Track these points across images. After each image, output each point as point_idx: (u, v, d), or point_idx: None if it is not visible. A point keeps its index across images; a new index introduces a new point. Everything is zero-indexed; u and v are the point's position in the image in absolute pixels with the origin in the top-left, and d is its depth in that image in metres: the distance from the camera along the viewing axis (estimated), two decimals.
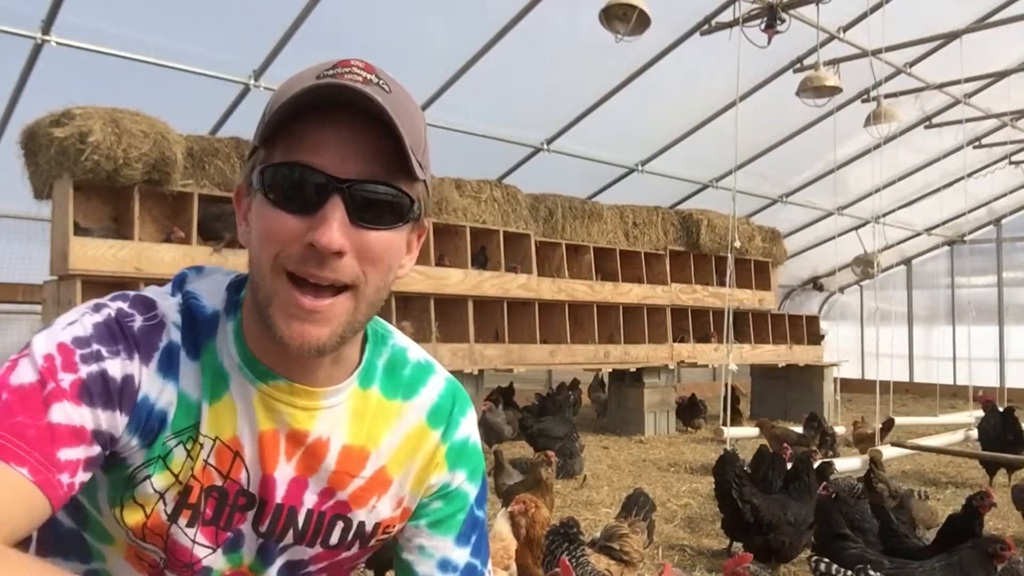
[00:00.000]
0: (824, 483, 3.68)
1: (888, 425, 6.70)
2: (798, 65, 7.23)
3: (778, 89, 7.31)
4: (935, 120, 8.86)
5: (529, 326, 7.27)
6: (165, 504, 0.96)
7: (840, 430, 6.98)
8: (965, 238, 11.37)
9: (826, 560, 2.68)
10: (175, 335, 0.96)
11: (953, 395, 10.27)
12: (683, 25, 6.57)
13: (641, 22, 5.04)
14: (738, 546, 3.80)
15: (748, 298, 9.32)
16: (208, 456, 0.97)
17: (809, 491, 3.62)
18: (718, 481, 3.87)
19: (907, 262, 13.32)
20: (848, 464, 5.53)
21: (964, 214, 10.03)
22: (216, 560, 1.01)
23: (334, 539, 1.06)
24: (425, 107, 6.47)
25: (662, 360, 8.18)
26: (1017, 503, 4.22)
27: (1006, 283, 12.46)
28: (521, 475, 4.28)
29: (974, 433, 6.49)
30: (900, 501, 3.84)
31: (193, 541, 0.99)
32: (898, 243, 12.29)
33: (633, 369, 7.86)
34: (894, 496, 4.02)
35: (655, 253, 8.62)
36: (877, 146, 7.18)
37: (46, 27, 5.00)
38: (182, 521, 0.97)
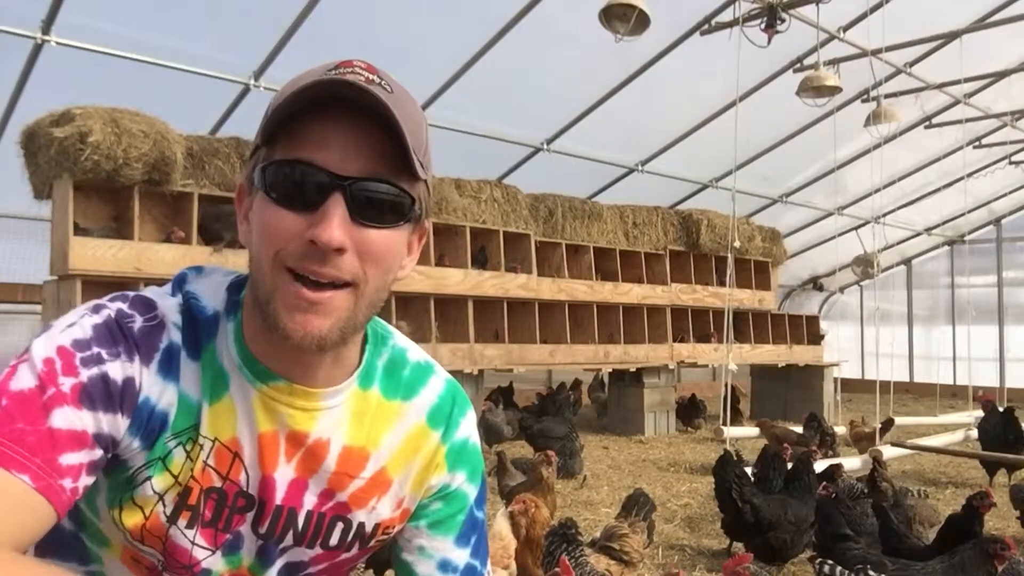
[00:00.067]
0: (824, 483, 3.68)
1: (887, 425, 6.70)
2: (798, 65, 7.24)
3: (778, 89, 7.32)
4: (935, 120, 8.86)
5: (529, 326, 7.27)
6: (164, 505, 0.96)
7: (840, 430, 6.98)
8: (965, 238, 11.36)
9: (830, 562, 2.67)
10: (175, 336, 0.96)
11: (953, 395, 10.27)
12: (683, 25, 6.57)
13: (641, 22, 5.04)
14: (738, 546, 3.80)
15: (748, 298, 9.32)
16: (207, 457, 0.97)
17: (810, 490, 3.62)
18: (718, 481, 3.87)
19: (907, 262, 13.33)
20: (848, 464, 5.53)
21: (964, 214, 10.03)
22: (215, 562, 1.01)
23: (334, 540, 1.05)
24: (425, 107, 6.47)
25: (662, 360, 8.18)
26: (1015, 503, 4.22)
27: (1006, 283, 12.46)
28: (524, 476, 4.27)
29: (974, 433, 6.49)
30: (896, 500, 3.83)
31: (192, 543, 0.98)
32: (898, 243, 12.28)
33: (633, 369, 7.86)
34: (896, 493, 4.02)
35: (655, 253, 8.62)
36: (877, 146, 7.18)
37: (46, 27, 5.00)
38: (181, 523, 0.97)
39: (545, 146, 7.78)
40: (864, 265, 10.47)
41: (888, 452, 5.80)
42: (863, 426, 6.73)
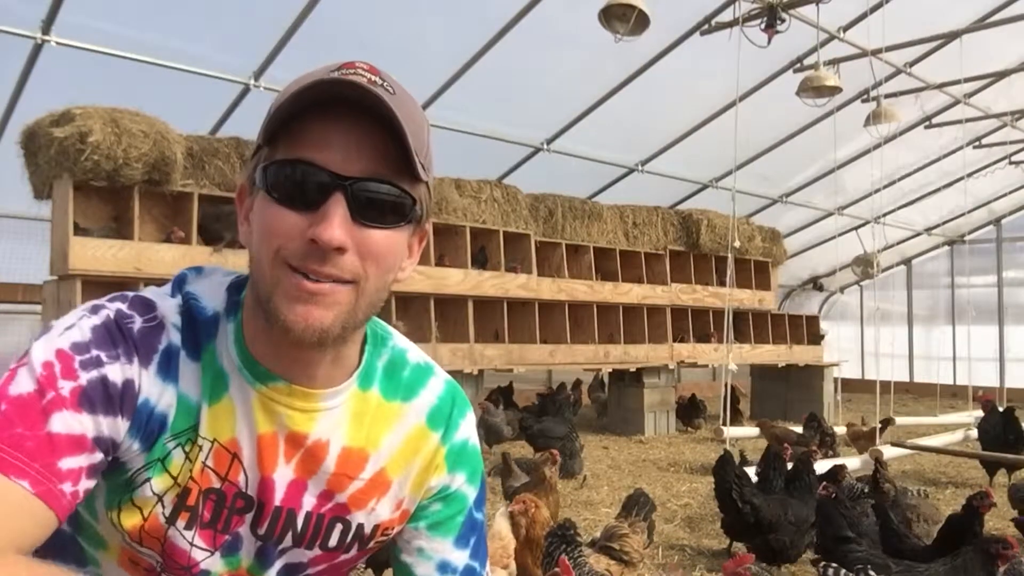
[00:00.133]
0: (824, 483, 3.68)
1: (885, 424, 6.70)
2: (798, 65, 7.23)
3: (778, 89, 7.31)
4: (935, 120, 8.86)
5: (529, 326, 7.27)
6: (163, 507, 0.96)
7: (840, 430, 6.98)
8: (965, 238, 11.36)
9: (834, 565, 2.66)
10: (174, 336, 0.95)
11: (953, 395, 10.27)
12: (683, 25, 6.57)
13: (640, 22, 5.04)
14: (738, 546, 3.81)
15: (748, 298, 9.32)
16: (206, 458, 0.96)
17: (810, 490, 3.62)
18: (718, 481, 3.87)
19: (907, 262, 13.33)
20: (848, 464, 5.52)
21: (964, 214, 10.02)
22: (214, 563, 1.01)
23: (333, 541, 1.05)
24: (425, 107, 6.47)
25: (662, 360, 8.18)
26: (1014, 502, 4.21)
27: (1006, 283, 12.46)
28: (528, 477, 4.28)
29: (973, 433, 6.48)
30: (895, 499, 3.83)
31: (191, 544, 0.98)
32: (898, 243, 12.28)
33: (633, 369, 7.86)
34: (904, 496, 4.02)
35: (655, 253, 8.62)
36: (877, 146, 7.17)
37: (46, 27, 5.00)
38: (180, 524, 0.97)
39: (545, 146, 7.78)
40: (864, 265, 10.47)
41: (888, 452, 5.79)
42: (861, 425, 6.74)
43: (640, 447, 7.16)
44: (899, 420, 7.57)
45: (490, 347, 6.77)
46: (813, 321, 10.48)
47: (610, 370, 7.86)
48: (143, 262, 4.93)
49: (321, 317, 0.89)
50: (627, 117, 7.58)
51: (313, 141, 0.88)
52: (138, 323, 0.94)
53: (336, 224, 0.86)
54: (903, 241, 12.35)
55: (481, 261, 6.91)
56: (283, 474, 0.99)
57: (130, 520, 0.96)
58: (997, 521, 4.23)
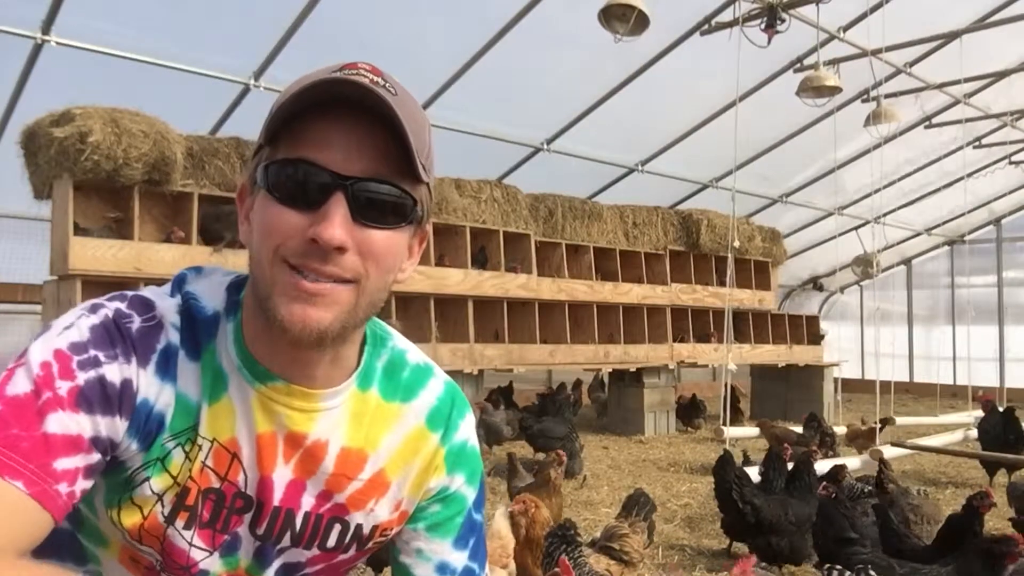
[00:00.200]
0: (824, 483, 3.68)
1: (884, 424, 6.69)
2: (798, 65, 7.23)
3: (778, 89, 7.31)
4: (935, 120, 8.86)
5: (529, 326, 7.27)
6: (163, 506, 0.96)
7: (840, 430, 6.98)
8: (965, 238, 11.36)
9: (839, 568, 2.64)
10: (173, 336, 0.95)
11: (953, 395, 10.27)
12: (683, 25, 6.57)
13: (640, 22, 5.04)
14: (738, 546, 3.81)
15: (748, 298, 9.32)
16: (206, 458, 0.96)
17: (811, 491, 3.62)
18: (718, 481, 3.87)
19: (907, 262, 13.33)
20: (848, 464, 5.52)
21: (964, 214, 10.02)
22: (213, 563, 1.01)
23: (331, 542, 1.05)
24: (425, 107, 6.46)
25: (662, 360, 8.18)
26: (1012, 500, 4.21)
27: (1006, 283, 12.46)
28: (533, 477, 4.29)
29: (973, 433, 6.48)
30: (893, 499, 3.83)
31: (190, 544, 0.98)
32: (898, 243, 12.30)
33: (633, 369, 7.86)
34: (905, 496, 4.02)
35: (655, 253, 8.62)
36: (877, 146, 7.17)
37: (46, 27, 5.00)
38: (179, 523, 0.97)
39: (545, 146, 7.78)
40: (864, 265, 10.47)
41: (888, 452, 5.79)
42: (860, 425, 6.74)
43: (640, 447, 7.16)
44: (899, 420, 7.57)
45: (490, 347, 6.77)
46: (813, 321, 10.48)
47: (610, 370, 7.86)
48: (143, 262, 4.93)
49: (320, 318, 0.89)
50: (627, 117, 7.58)
51: (314, 141, 0.88)
52: (137, 323, 0.94)
53: (337, 224, 0.86)
54: (903, 241, 12.36)
55: (481, 261, 6.92)
56: (282, 474, 0.99)
57: (130, 519, 0.96)
58: (997, 521, 4.23)
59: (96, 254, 4.77)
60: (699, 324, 9.10)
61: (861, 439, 6.40)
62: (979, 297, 12.13)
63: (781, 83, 7.30)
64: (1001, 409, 6.05)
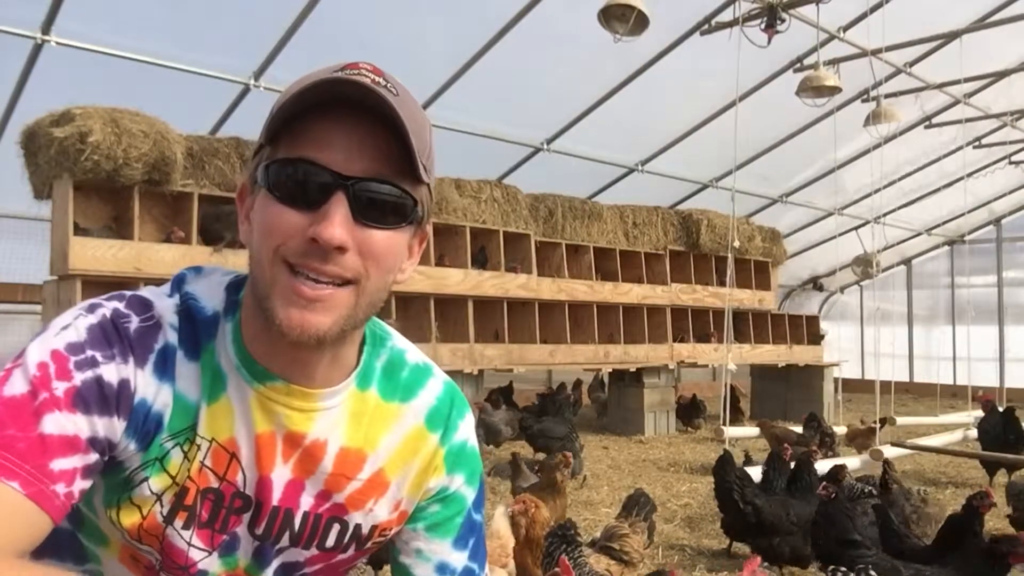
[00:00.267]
0: (824, 483, 3.67)
1: (883, 423, 6.69)
2: (798, 65, 7.23)
3: (778, 89, 7.31)
4: (935, 120, 8.85)
5: (529, 326, 7.27)
6: (161, 506, 0.96)
7: (840, 430, 6.98)
8: (965, 238, 11.37)
9: (843, 569, 2.63)
10: (171, 336, 0.95)
11: (953, 395, 10.27)
12: (683, 25, 6.57)
13: (640, 22, 5.04)
14: (738, 546, 3.81)
15: (748, 298, 9.32)
16: (204, 458, 0.96)
17: (811, 491, 3.61)
18: (718, 481, 3.87)
19: (907, 262, 13.33)
20: (848, 464, 5.52)
21: (964, 214, 10.02)
22: (212, 563, 1.01)
23: (330, 542, 1.05)
24: (425, 107, 6.46)
25: (662, 360, 8.18)
26: (1010, 498, 4.21)
27: (1006, 283, 12.46)
28: (538, 477, 4.30)
29: (972, 433, 6.48)
30: (892, 499, 3.83)
31: (189, 544, 0.98)
32: (898, 243, 12.30)
33: (633, 369, 7.85)
34: (907, 496, 4.02)
35: (655, 253, 8.62)
36: (877, 146, 7.17)
37: (46, 27, 5.00)
38: (178, 523, 0.97)
39: (545, 146, 7.78)
40: (864, 265, 10.47)
41: (888, 452, 5.79)
42: (859, 424, 6.74)
43: (640, 447, 7.16)
44: (899, 420, 7.57)
45: (490, 347, 6.77)
46: (813, 321, 10.48)
47: (610, 370, 7.86)
48: (143, 262, 4.93)
49: (318, 323, 0.89)
50: (627, 117, 7.58)
51: (315, 140, 0.88)
52: (135, 323, 0.94)
53: (337, 223, 0.86)
54: (903, 241, 12.36)
55: (481, 261, 6.91)
56: (281, 474, 0.99)
57: (129, 519, 0.96)
58: (997, 521, 4.24)
59: (96, 254, 4.77)
60: (699, 324, 9.10)
61: (860, 439, 6.40)
62: (979, 297, 12.14)
63: (781, 83, 7.30)
64: (1001, 409, 6.05)
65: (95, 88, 5.09)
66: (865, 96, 7.74)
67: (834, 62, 7.06)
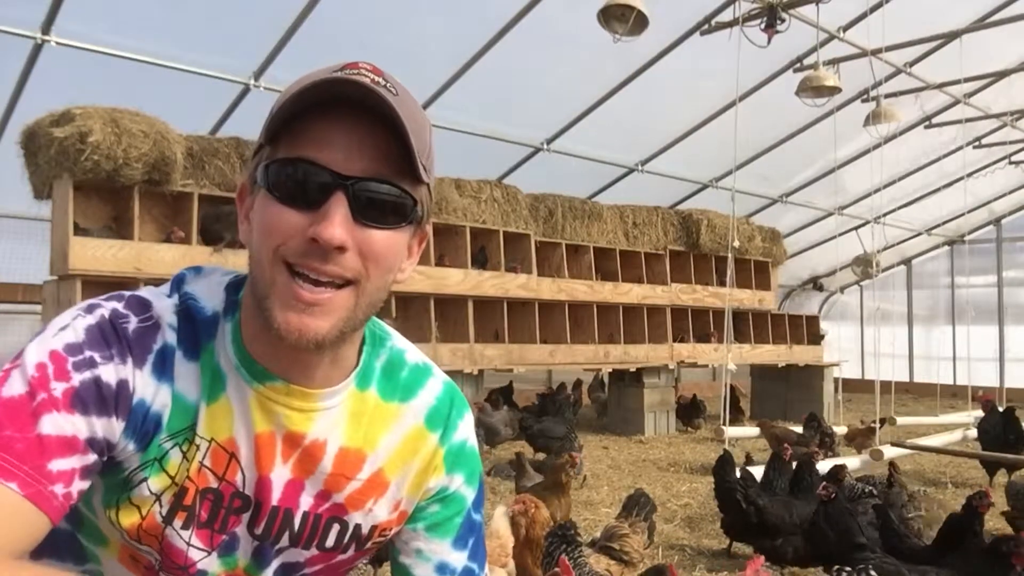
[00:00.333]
0: (824, 483, 3.67)
1: (882, 423, 6.69)
2: (798, 65, 7.23)
3: (778, 89, 7.31)
4: (935, 120, 8.85)
5: (529, 326, 7.27)
6: (161, 506, 0.96)
7: (840, 430, 6.98)
8: (965, 238, 11.37)
9: (848, 568, 2.62)
10: (170, 337, 0.95)
11: (953, 395, 10.27)
12: (683, 25, 6.57)
13: (639, 22, 5.04)
14: (738, 546, 3.81)
15: (748, 298, 9.32)
16: (204, 458, 0.96)
17: (814, 491, 3.61)
18: (718, 481, 3.87)
19: (907, 262, 13.33)
20: (848, 464, 5.52)
21: (964, 214, 10.02)
22: (211, 563, 1.01)
23: (330, 542, 1.05)
24: (425, 107, 6.46)
25: (662, 360, 8.18)
26: (1009, 498, 4.22)
27: (1006, 283, 12.46)
28: (541, 477, 4.31)
29: (972, 433, 6.48)
30: (890, 499, 3.83)
31: (188, 544, 0.98)
32: (898, 243, 12.30)
33: (633, 369, 7.85)
34: (912, 498, 4.02)
35: (655, 253, 8.62)
36: (877, 146, 7.17)
37: (46, 27, 5.00)
38: (177, 523, 0.97)
39: (545, 146, 7.78)
40: (864, 265, 10.47)
41: (888, 452, 5.80)
42: (859, 424, 6.74)
43: (640, 447, 7.16)
44: (900, 420, 7.57)
45: (490, 347, 6.77)
46: (813, 321, 10.47)
47: (610, 370, 7.86)
48: (143, 262, 4.93)
49: (317, 327, 0.89)
50: (627, 117, 7.58)
51: (315, 140, 0.88)
52: (133, 323, 0.94)
53: (337, 223, 0.86)
54: (903, 241, 12.36)
55: (481, 261, 6.91)
56: (280, 474, 0.99)
57: (128, 519, 0.96)
58: (997, 521, 4.24)
59: (96, 254, 4.77)
60: (699, 324, 9.10)
61: (860, 439, 6.40)
62: (979, 297, 12.13)
63: (781, 83, 7.30)
64: (1001, 409, 6.05)
65: (95, 88, 5.09)
66: (865, 96, 7.74)
67: (834, 62, 7.06)
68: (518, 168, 8.00)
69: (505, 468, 5.50)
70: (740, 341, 9.02)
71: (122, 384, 0.90)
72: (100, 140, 4.67)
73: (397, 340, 1.12)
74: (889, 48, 6.67)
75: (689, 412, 8.34)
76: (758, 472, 4.14)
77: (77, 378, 0.87)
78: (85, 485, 0.88)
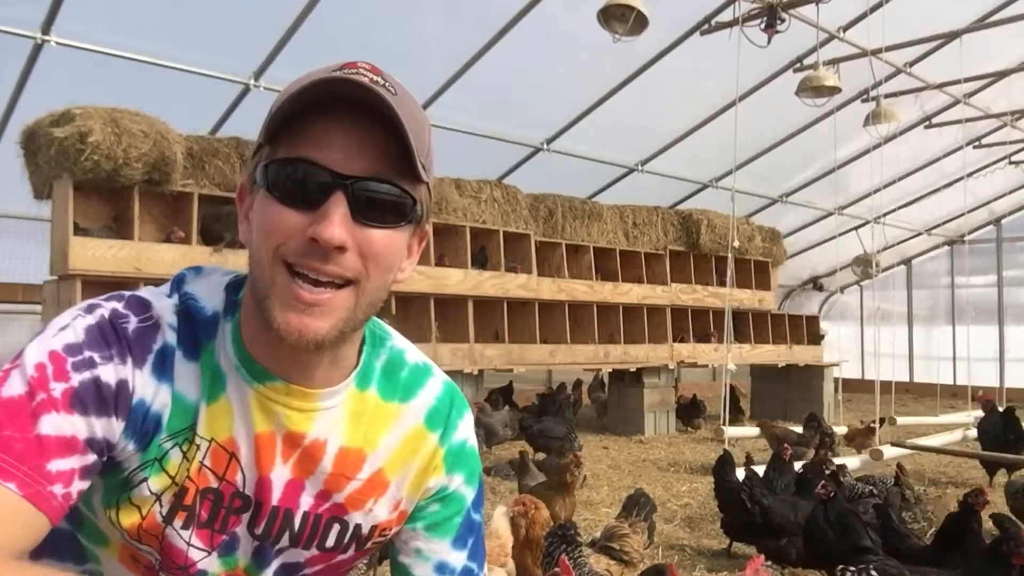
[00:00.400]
0: (823, 482, 3.67)
1: (881, 423, 6.70)
2: (798, 65, 7.23)
3: (778, 89, 7.31)
4: (935, 120, 8.85)
5: (529, 326, 7.27)
6: (161, 506, 0.96)
7: (840, 430, 6.98)
8: (965, 238, 11.36)
9: (852, 568, 2.62)
10: (170, 337, 0.95)
11: (953, 395, 10.27)
12: (683, 25, 6.57)
13: (639, 22, 5.04)
14: (738, 546, 3.81)
15: (748, 298, 9.32)
16: (204, 458, 0.96)
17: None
18: (718, 481, 3.87)
19: (907, 262, 13.33)
20: (848, 464, 5.52)
21: (964, 214, 10.02)
22: (211, 563, 1.01)
23: (330, 542, 1.05)
24: (425, 107, 6.46)
25: (662, 360, 8.18)
26: (1008, 497, 4.22)
27: (1006, 283, 12.46)
28: (545, 476, 4.32)
29: (972, 433, 6.48)
30: (889, 499, 3.83)
31: (188, 543, 0.98)
32: (898, 243, 12.30)
33: (633, 369, 7.85)
34: (919, 500, 4.02)
35: (655, 253, 8.62)
36: (877, 146, 7.17)
37: (46, 27, 5.00)
38: (177, 523, 0.97)
39: (545, 146, 7.78)
40: (864, 265, 10.47)
41: (888, 452, 5.80)
42: (857, 424, 6.74)
43: (640, 447, 7.16)
44: (900, 420, 7.56)
45: (490, 347, 6.77)
46: (813, 321, 10.47)
47: (610, 370, 7.86)
48: (143, 262, 4.93)
49: (317, 328, 0.89)
50: (627, 117, 7.58)
51: (314, 140, 0.88)
52: (133, 323, 0.94)
53: (336, 223, 0.86)
54: (903, 241, 12.36)
55: (481, 261, 6.91)
56: (280, 474, 0.99)
57: (128, 519, 0.96)
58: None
59: (96, 254, 4.77)
60: (699, 324, 9.10)
61: (860, 439, 6.40)
62: (979, 297, 12.13)
63: (781, 83, 7.30)
64: (1001, 409, 6.05)
65: (95, 88, 5.09)
66: (865, 96, 7.74)
67: (834, 62, 7.06)
68: (518, 168, 8.00)
69: (504, 468, 5.50)
70: (740, 341, 9.02)
71: (122, 384, 0.90)
72: (100, 140, 4.67)
73: (397, 340, 1.12)
74: (889, 48, 6.67)
75: (689, 412, 8.34)
76: (758, 472, 4.14)
77: (76, 378, 0.87)
78: (85, 485, 0.88)
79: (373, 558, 2.96)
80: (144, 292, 0.99)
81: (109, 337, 0.91)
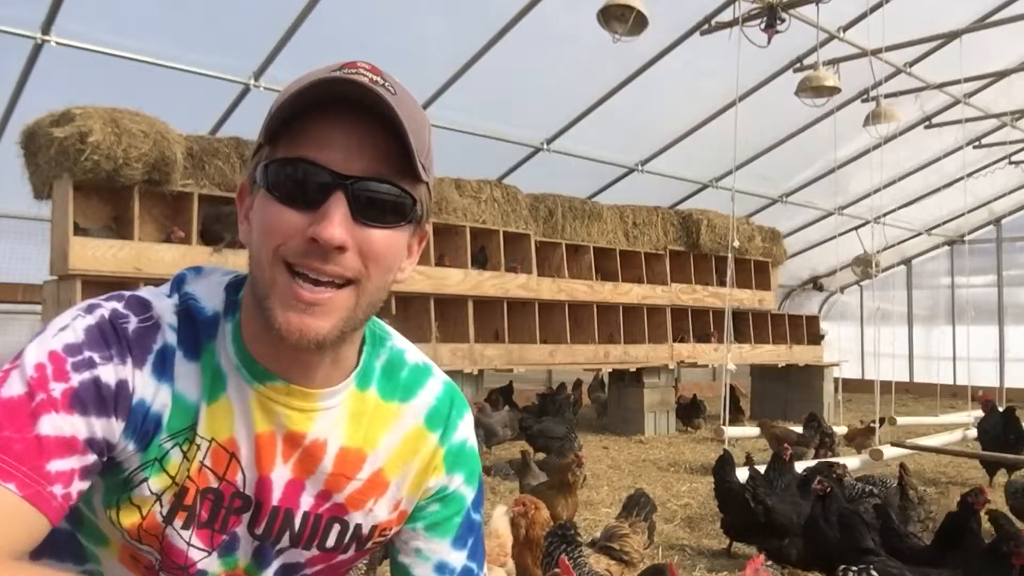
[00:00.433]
0: (818, 477, 3.66)
1: (881, 423, 6.70)
2: (798, 65, 7.23)
3: (778, 89, 7.31)
4: (935, 120, 8.85)
5: (529, 326, 7.27)
6: (161, 506, 0.96)
7: (840, 430, 6.98)
8: (965, 238, 11.36)
9: (854, 568, 2.61)
10: (170, 337, 0.95)
11: (953, 395, 10.27)
12: (683, 25, 6.57)
13: (639, 23, 5.04)
14: (738, 546, 3.81)
15: (748, 298, 9.32)
16: (204, 458, 0.96)
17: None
18: (718, 481, 3.87)
19: (907, 262, 13.33)
20: (848, 464, 5.53)
21: (964, 214, 10.02)
22: (211, 563, 1.01)
23: (330, 542, 1.05)
24: (425, 107, 6.46)
25: (662, 360, 8.18)
26: (1008, 497, 4.22)
27: (1006, 283, 12.46)
28: (546, 476, 4.32)
29: (972, 433, 6.48)
30: (886, 499, 3.83)
31: (188, 543, 0.98)
32: (898, 243, 12.30)
33: (633, 369, 7.85)
34: (922, 501, 4.02)
35: (655, 253, 8.62)
36: (877, 146, 7.17)
37: (46, 27, 5.00)
38: (177, 523, 0.97)
39: (545, 146, 7.78)
40: (864, 265, 10.47)
41: (888, 452, 5.80)
42: (857, 424, 6.74)
43: (640, 447, 7.16)
44: (900, 420, 7.56)
45: (490, 347, 6.77)
46: (813, 321, 10.47)
47: (610, 370, 7.86)
48: (143, 262, 4.93)
49: (318, 327, 0.89)
50: (627, 117, 7.58)
51: (314, 140, 0.88)
52: (133, 323, 0.94)
53: (336, 223, 0.86)
54: (903, 241, 12.36)
55: (481, 261, 6.91)
56: (281, 474, 0.99)
57: (128, 519, 0.96)
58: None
59: (96, 254, 4.77)
60: (699, 324, 9.10)
61: (860, 439, 6.39)
62: (979, 297, 12.13)
63: (781, 83, 7.30)
64: (1001, 409, 6.05)
65: (95, 88, 5.09)
66: (865, 96, 7.74)
67: (834, 62, 7.06)
68: (518, 168, 8.00)
69: (504, 468, 5.50)
70: (740, 341, 9.02)
71: (122, 384, 0.90)
72: (100, 140, 4.67)
73: (397, 340, 1.12)
74: (889, 48, 6.67)
75: (689, 412, 8.34)
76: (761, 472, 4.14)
77: (76, 379, 0.87)
78: (85, 486, 0.88)
79: (373, 558, 2.96)
80: (144, 292, 0.99)
81: (109, 337, 0.91)
